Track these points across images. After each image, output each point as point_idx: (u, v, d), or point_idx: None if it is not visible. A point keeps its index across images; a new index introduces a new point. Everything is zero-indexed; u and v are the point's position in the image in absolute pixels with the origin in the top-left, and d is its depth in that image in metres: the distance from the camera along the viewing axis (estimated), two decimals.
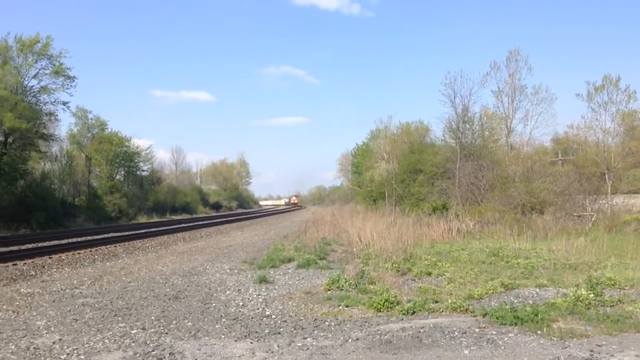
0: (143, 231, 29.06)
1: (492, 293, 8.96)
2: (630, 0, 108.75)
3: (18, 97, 34.90)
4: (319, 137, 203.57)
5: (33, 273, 13.31)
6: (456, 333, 6.39)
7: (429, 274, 11.30)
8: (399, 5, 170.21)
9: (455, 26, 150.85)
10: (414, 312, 7.72)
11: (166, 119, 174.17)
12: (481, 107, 38.56)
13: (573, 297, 7.78)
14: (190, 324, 7.53)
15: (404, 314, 7.68)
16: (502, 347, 5.79)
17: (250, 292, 10.05)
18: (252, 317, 7.87)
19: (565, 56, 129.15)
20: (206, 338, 6.70)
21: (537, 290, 9.18)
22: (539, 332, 6.34)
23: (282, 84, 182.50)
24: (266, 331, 6.97)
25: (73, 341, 6.62)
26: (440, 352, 5.68)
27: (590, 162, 29.86)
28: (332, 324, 7.27)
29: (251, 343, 6.36)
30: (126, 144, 55.51)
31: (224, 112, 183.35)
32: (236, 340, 6.51)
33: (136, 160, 58.96)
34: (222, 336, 6.77)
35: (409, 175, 36.56)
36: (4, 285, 11.47)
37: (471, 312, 7.55)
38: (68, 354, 6.06)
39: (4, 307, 8.99)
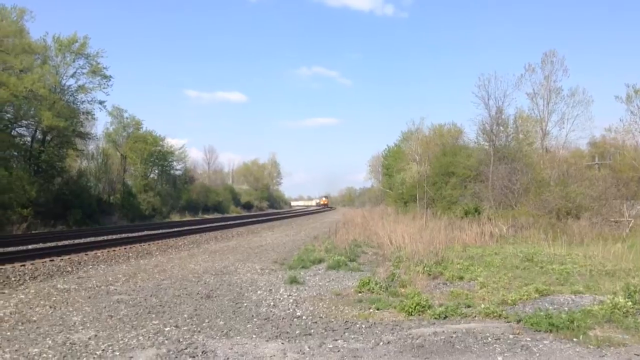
0: (176, 229, 29.46)
1: (526, 299, 8.81)
2: None
3: (56, 96, 35.80)
4: (350, 138, 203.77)
5: (69, 269, 13.61)
6: (489, 339, 6.30)
7: (461, 278, 11.18)
8: (433, 5, 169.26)
9: (490, 27, 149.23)
10: (446, 317, 7.65)
11: (199, 118, 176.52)
12: (515, 109, 38.08)
13: (610, 305, 7.58)
14: (222, 322, 7.60)
15: (435, 318, 7.61)
16: (537, 354, 5.68)
17: (281, 292, 10.09)
18: (283, 318, 7.91)
19: (603, 58, 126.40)
20: (238, 337, 6.75)
21: (573, 297, 8.99)
22: (574, 339, 6.21)
23: (314, 85, 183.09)
24: (297, 332, 6.99)
25: (108, 337, 6.75)
26: (473, 358, 5.61)
27: (628, 166, 29.04)
28: (363, 326, 7.25)
29: (282, 344, 6.38)
30: (160, 143, 56.37)
31: (256, 113, 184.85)
32: (267, 341, 6.55)
33: (170, 160, 59.87)
34: (254, 336, 6.82)
35: (441, 177, 36.22)
36: (41, 281, 11.76)
37: (505, 318, 7.44)
38: (103, 349, 6.18)
39: (42, 302, 9.22)
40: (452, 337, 6.43)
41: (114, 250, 17.76)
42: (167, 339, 6.63)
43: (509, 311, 7.86)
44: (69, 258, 15.49)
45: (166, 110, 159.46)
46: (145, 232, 27.39)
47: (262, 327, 7.33)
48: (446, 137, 44.90)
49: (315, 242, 20.19)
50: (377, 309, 8.37)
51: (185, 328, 7.25)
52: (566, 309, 7.92)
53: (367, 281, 10.22)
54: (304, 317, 7.93)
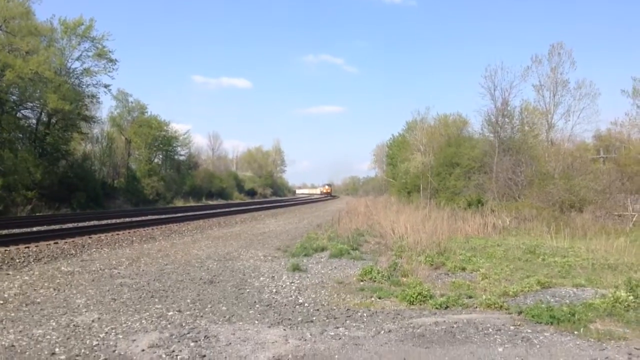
0: (179, 215, 29.57)
1: (528, 291, 8.83)
2: None
3: (62, 78, 35.85)
4: (355, 127, 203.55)
5: (73, 252, 13.69)
6: (490, 330, 6.33)
7: (463, 269, 11.21)
8: None
9: (498, 18, 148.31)
10: (447, 307, 7.67)
11: (204, 104, 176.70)
12: (521, 101, 37.96)
13: (612, 298, 7.60)
14: (224, 308, 7.64)
15: (437, 308, 7.63)
16: (538, 346, 5.71)
17: (283, 279, 10.13)
18: (285, 305, 7.94)
19: (611, 51, 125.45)
20: (240, 323, 6.79)
21: (574, 289, 9.00)
22: (575, 332, 6.23)
23: (320, 72, 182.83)
24: (299, 319, 7.03)
25: (111, 320, 6.80)
26: (474, 349, 5.64)
27: (633, 160, 28.96)
28: (365, 314, 7.28)
29: (284, 330, 6.43)
30: (165, 128, 56.51)
31: (262, 100, 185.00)
32: (269, 327, 6.59)
33: (174, 145, 60.01)
34: (256, 322, 6.86)
35: (445, 168, 36.23)
36: (45, 263, 11.84)
37: (506, 309, 7.46)
38: (106, 332, 6.23)
39: (46, 284, 9.28)
40: (453, 327, 6.46)
41: (118, 234, 17.84)
42: (170, 323, 6.68)
43: (510, 303, 7.89)
44: (73, 241, 15.57)
45: (171, 95, 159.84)
46: (149, 217, 27.50)
47: (265, 313, 7.37)
48: (451, 128, 44.87)
49: (318, 230, 20.24)
50: (379, 298, 8.40)
51: (188, 313, 7.30)
52: (567, 301, 7.94)
53: (369, 270, 10.25)
54: (306, 305, 7.96)
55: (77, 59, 39.17)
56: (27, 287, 8.96)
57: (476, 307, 7.68)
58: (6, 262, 11.63)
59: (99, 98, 42.12)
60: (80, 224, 21.59)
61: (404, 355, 5.41)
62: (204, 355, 5.40)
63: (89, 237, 16.57)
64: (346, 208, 36.17)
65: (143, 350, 5.55)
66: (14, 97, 33.70)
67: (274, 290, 9.04)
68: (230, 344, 5.81)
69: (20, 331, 6.26)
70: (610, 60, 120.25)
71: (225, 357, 5.36)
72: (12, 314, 7.07)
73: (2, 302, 7.80)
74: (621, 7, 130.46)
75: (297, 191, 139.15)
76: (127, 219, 25.20)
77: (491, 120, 32.58)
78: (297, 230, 21.68)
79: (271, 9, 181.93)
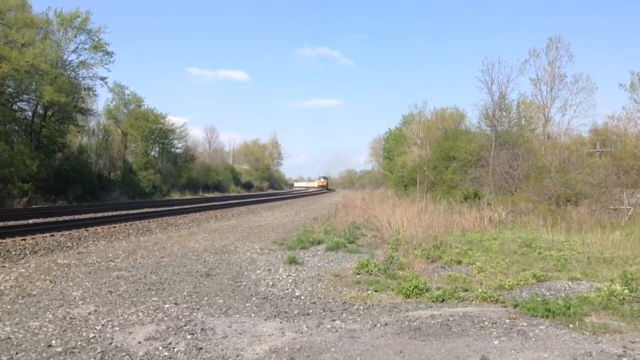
0: (176, 207, 29.54)
1: (524, 284, 8.86)
2: None
3: (58, 71, 35.68)
4: (352, 120, 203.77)
5: (70, 244, 13.67)
6: (486, 323, 6.35)
7: (459, 262, 11.23)
8: None
9: (496, 12, 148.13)
10: (443, 300, 7.70)
11: (201, 97, 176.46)
12: (519, 94, 38.04)
13: (607, 292, 7.63)
14: (221, 301, 7.66)
15: (433, 301, 7.66)
16: (533, 339, 5.73)
17: (280, 272, 10.14)
18: (281, 297, 7.96)
19: (608, 45, 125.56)
20: (237, 316, 6.80)
21: (570, 283, 9.03)
22: (570, 325, 6.26)
23: (317, 65, 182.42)
24: (295, 312, 7.05)
25: (108, 313, 6.81)
26: (470, 342, 5.66)
27: (630, 154, 28.99)
28: (361, 307, 7.31)
29: (281, 323, 6.44)
30: (161, 120, 56.42)
31: (258, 92, 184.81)
32: (266, 320, 6.61)
33: (171, 138, 59.94)
34: (252, 315, 6.88)
35: (442, 162, 36.24)
36: (42, 256, 11.83)
37: (501, 303, 7.49)
38: (103, 325, 6.24)
39: (42, 276, 9.28)
40: (449, 320, 6.48)
41: (114, 227, 17.82)
42: (166, 316, 6.69)
43: (506, 296, 7.92)
44: (69, 233, 15.55)
45: (168, 87, 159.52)
46: (146, 210, 27.47)
47: (261, 306, 7.38)
48: (448, 122, 44.90)
49: (314, 224, 20.25)
50: (375, 291, 8.42)
51: (184, 305, 7.31)
52: (563, 295, 7.97)
53: (366, 263, 10.26)
54: (302, 297, 7.98)
55: (73, 51, 39.02)
56: (23, 280, 8.95)
57: (472, 301, 7.71)
58: (2, 254, 11.61)
59: (95, 91, 42.05)
60: (77, 217, 21.54)
61: (400, 348, 5.43)
62: (201, 348, 5.41)
63: (86, 230, 16.54)
64: (343, 201, 36.17)
65: (140, 342, 5.56)
66: (10, 90, 33.55)
67: (271, 283, 9.06)
68: (226, 336, 5.82)
69: (17, 323, 6.26)
70: (607, 54, 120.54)
71: (222, 350, 5.37)
72: (9, 307, 7.07)
73: None
74: (619, 0, 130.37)
75: (295, 184, 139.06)
76: (124, 212, 25.15)
77: (488, 114, 32.58)
78: (294, 224, 21.69)
79: (269, 1, 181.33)
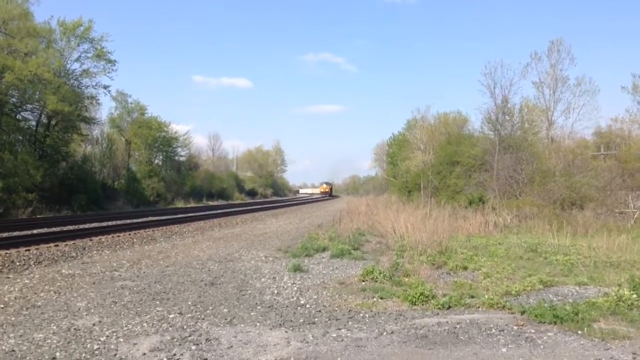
0: (180, 216, 29.51)
1: (530, 290, 8.79)
2: None
3: (61, 80, 35.77)
4: (356, 126, 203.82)
5: (74, 254, 13.65)
6: (493, 330, 6.29)
7: (465, 268, 11.16)
8: None
9: (497, 15, 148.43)
10: (449, 307, 7.63)
11: (205, 105, 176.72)
12: (521, 98, 37.93)
13: (615, 297, 7.56)
14: (226, 310, 7.61)
15: (439, 308, 7.60)
16: (542, 347, 5.67)
17: (285, 280, 10.09)
18: (286, 306, 7.91)
19: (610, 48, 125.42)
20: (242, 325, 6.76)
21: (577, 288, 8.96)
22: (579, 332, 6.19)
23: (320, 71, 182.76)
24: (301, 320, 6.99)
25: (112, 323, 6.76)
26: (477, 349, 5.60)
27: (634, 157, 28.85)
28: (367, 315, 7.25)
29: (286, 332, 6.39)
30: (165, 129, 56.51)
31: (262, 99, 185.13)
32: (271, 329, 6.56)
33: (174, 146, 60.01)
34: (258, 324, 6.82)
35: (446, 166, 36.19)
36: (46, 266, 11.80)
37: (508, 309, 7.42)
38: (107, 336, 6.20)
39: (46, 287, 9.25)
40: (455, 327, 6.42)
41: (118, 236, 17.80)
42: (171, 326, 6.65)
43: (512, 302, 7.85)
44: (74, 243, 15.53)
45: (171, 95, 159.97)
46: (150, 218, 27.46)
47: (266, 315, 7.33)
48: (451, 126, 44.87)
49: (319, 231, 20.18)
50: (381, 298, 8.36)
51: (189, 315, 7.26)
52: (570, 300, 7.90)
53: (371, 270, 10.21)
54: (307, 306, 7.93)
55: (76, 60, 39.10)
56: (27, 291, 8.92)
57: (479, 307, 7.64)
58: (6, 265, 11.59)
59: (98, 99, 42.01)
60: (81, 226, 21.54)
61: (407, 357, 5.38)
62: (206, 359, 5.36)
63: (90, 239, 16.52)
64: (347, 208, 36.11)
65: (144, 353, 5.51)
66: (14, 99, 33.65)
67: (276, 292, 9.01)
68: (232, 346, 5.77)
69: (21, 335, 6.22)
70: (609, 57, 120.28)
71: None
72: (13, 318, 7.04)
73: (2, 305, 7.75)
74: (620, 2, 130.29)
75: (301, 191, 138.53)
76: (128, 221, 25.12)
77: (491, 118, 32.55)
78: (298, 231, 21.64)
79: (271, 8, 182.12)
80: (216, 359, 5.36)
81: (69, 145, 38.19)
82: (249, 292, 9.00)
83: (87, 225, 21.93)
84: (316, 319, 7.08)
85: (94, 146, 47.28)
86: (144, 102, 59.88)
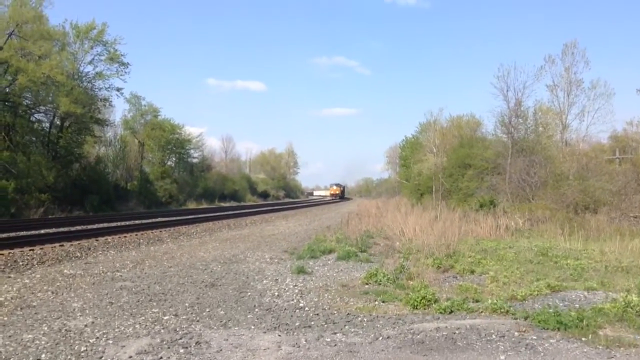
0: (191, 217, 29.48)
1: (537, 295, 8.53)
2: None
3: (74, 82, 35.97)
4: (369, 128, 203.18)
5: (79, 254, 13.60)
6: (493, 336, 6.07)
7: (472, 271, 10.90)
8: None
9: (511, 18, 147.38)
10: (451, 312, 7.41)
11: (218, 107, 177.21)
12: (535, 101, 37.47)
13: (623, 303, 7.28)
14: (222, 312, 7.46)
15: (440, 312, 7.38)
16: (542, 354, 5.44)
17: (287, 282, 9.93)
18: (285, 309, 7.74)
19: (626, 50, 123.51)
20: (236, 328, 6.60)
21: (585, 293, 8.68)
22: (583, 339, 5.95)
23: (334, 74, 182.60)
24: (297, 324, 6.82)
25: (104, 325, 6.65)
26: (475, 356, 5.38)
27: None
28: (365, 319, 7.05)
29: (279, 336, 6.22)
30: (178, 131, 56.68)
31: (275, 102, 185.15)
32: (265, 332, 6.39)
33: (187, 148, 60.19)
34: (252, 327, 6.67)
35: (458, 169, 35.81)
36: (49, 266, 11.76)
37: (512, 314, 7.17)
38: (97, 337, 6.07)
39: (45, 287, 9.17)
40: (454, 333, 6.20)
41: (125, 237, 17.75)
42: (163, 328, 6.51)
43: (517, 307, 7.61)
44: (79, 243, 15.49)
45: (185, 98, 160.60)
46: (159, 219, 27.43)
47: (262, 317, 7.17)
48: (464, 129, 44.43)
49: (327, 232, 19.99)
50: (382, 302, 8.17)
51: (184, 317, 7.13)
52: (577, 306, 7.64)
53: (375, 273, 10.01)
54: (306, 309, 7.75)
55: (90, 62, 39.27)
56: (25, 291, 8.85)
57: (481, 312, 7.41)
58: (9, 265, 11.57)
59: (111, 101, 42.24)
60: (89, 226, 21.54)
61: None
62: None
63: (96, 240, 16.49)
64: (357, 210, 35.89)
65: (130, 357, 5.38)
66: (27, 101, 33.89)
67: (276, 294, 8.85)
68: (220, 350, 5.61)
69: (10, 336, 6.12)
70: (625, 59, 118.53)
71: None
72: (5, 318, 6.95)
73: None
74: (635, 4, 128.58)
75: (315, 193, 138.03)
76: (137, 221, 25.10)
77: (504, 121, 32.09)
78: (307, 232, 21.48)
79: (285, 11, 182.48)
80: None
81: (81, 146, 38.38)
82: (249, 294, 8.85)
83: (95, 226, 21.95)
84: (312, 323, 6.90)
85: (107, 148, 47.55)
86: (158, 104, 60.29)
